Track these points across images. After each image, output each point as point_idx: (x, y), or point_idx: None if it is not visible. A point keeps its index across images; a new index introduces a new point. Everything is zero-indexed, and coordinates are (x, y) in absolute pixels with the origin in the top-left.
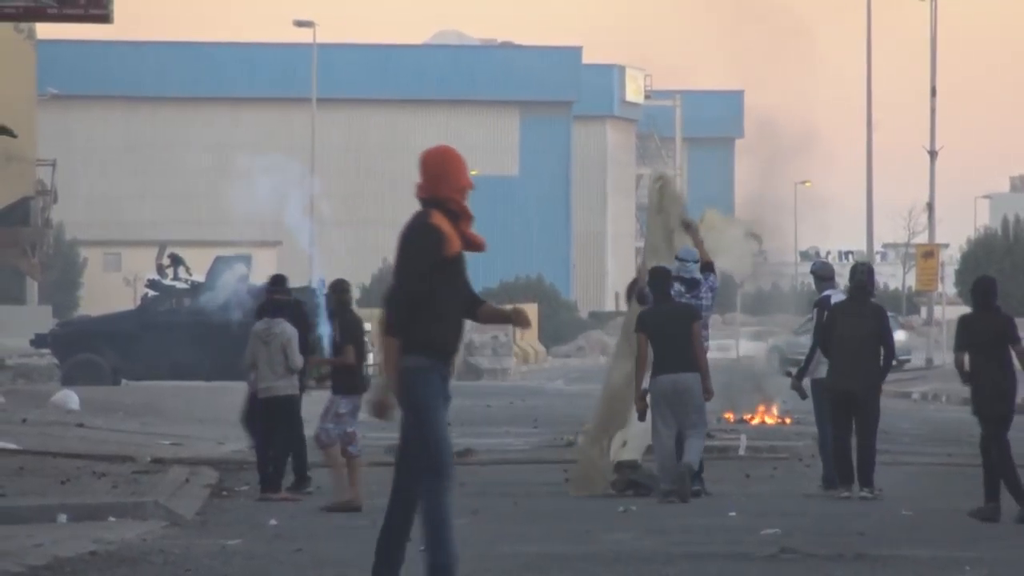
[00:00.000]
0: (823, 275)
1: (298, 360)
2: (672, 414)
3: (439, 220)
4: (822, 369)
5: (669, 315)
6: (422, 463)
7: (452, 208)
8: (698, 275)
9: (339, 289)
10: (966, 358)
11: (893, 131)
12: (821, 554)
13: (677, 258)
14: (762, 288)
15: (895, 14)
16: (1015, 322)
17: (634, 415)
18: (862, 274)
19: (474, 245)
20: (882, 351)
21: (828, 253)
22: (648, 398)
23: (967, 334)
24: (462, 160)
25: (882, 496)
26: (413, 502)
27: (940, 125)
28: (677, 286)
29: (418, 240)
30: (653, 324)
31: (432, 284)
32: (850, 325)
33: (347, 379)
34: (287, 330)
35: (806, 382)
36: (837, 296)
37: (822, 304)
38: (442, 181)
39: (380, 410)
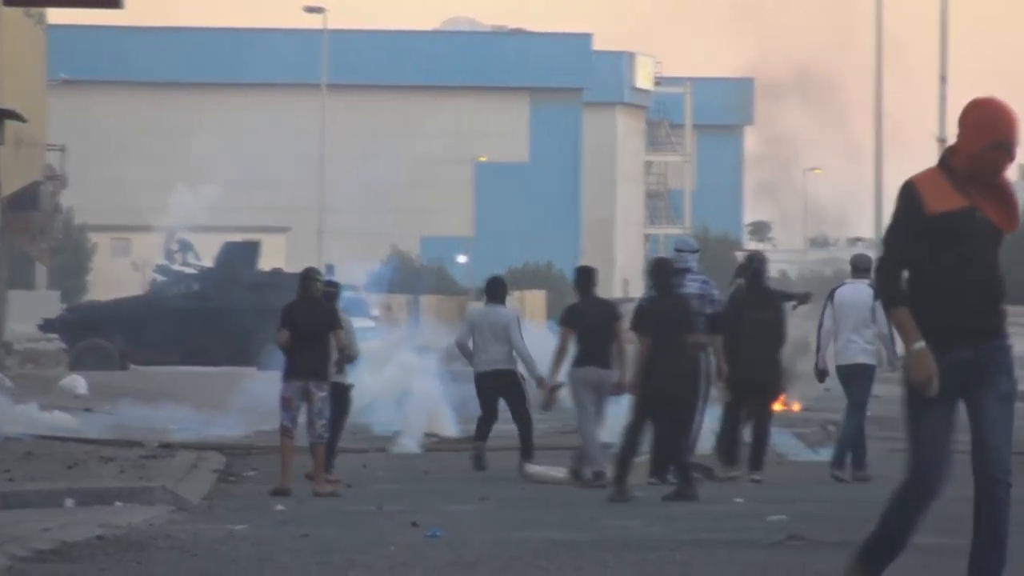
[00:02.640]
0: (860, 266)
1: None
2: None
3: (923, 176)
4: (841, 353)
5: (595, 311)
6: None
7: (956, 166)
8: (691, 264)
9: (307, 277)
10: None
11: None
12: (828, 541)
13: (676, 249)
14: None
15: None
16: None
17: None
18: (758, 263)
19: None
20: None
21: (837, 240)
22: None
23: None
24: (995, 117)
25: (874, 479)
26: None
27: (949, 112)
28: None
29: (896, 202)
30: (579, 320)
31: (919, 251)
32: (751, 316)
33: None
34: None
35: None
36: (854, 286)
37: (832, 291)
38: (963, 136)
39: (923, 378)
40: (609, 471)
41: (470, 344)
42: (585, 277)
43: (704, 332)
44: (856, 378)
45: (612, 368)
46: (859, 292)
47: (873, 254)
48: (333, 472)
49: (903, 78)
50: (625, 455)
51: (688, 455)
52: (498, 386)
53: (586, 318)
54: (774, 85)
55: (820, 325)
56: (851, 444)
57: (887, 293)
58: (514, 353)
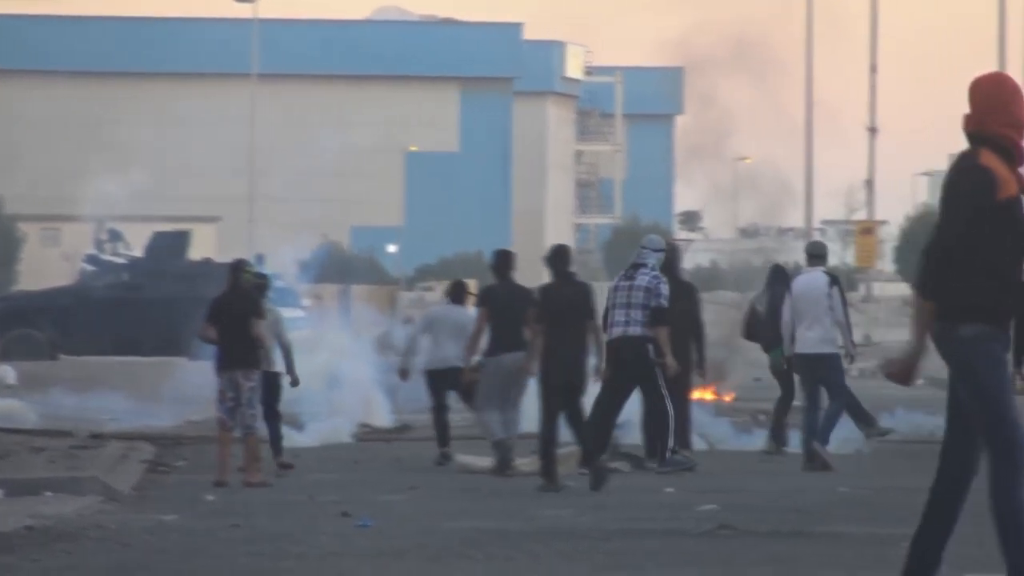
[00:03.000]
0: (815, 253)
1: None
2: (502, 390)
3: (989, 159)
4: (800, 343)
5: (513, 294)
6: (993, 449)
7: (1005, 145)
8: (648, 261)
9: (236, 268)
10: None
11: (833, 108)
12: (758, 531)
13: (641, 244)
14: (700, 265)
15: None
16: None
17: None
18: (670, 252)
19: None
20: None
21: (768, 230)
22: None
23: None
24: (1020, 90)
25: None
26: (961, 494)
27: (879, 102)
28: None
29: (962, 183)
30: (497, 302)
31: (979, 235)
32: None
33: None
34: None
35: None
36: (809, 275)
37: (790, 281)
38: (993, 113)
39: (902, 375)
40: (508, 450)
41: (423, 341)
42: (503, 260)
43: (651, 324)
44: (821, 369)
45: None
46: (815, 281)
47: (812, 242)
48: (282, 457)
49: (836, 66)
50: (544, 446)
51: (590, 438)
52: (451, 381)
53: (502, 300)
54: (704, 66)
55: (780, 317)
56: (827, 428)
57: (932, 281)
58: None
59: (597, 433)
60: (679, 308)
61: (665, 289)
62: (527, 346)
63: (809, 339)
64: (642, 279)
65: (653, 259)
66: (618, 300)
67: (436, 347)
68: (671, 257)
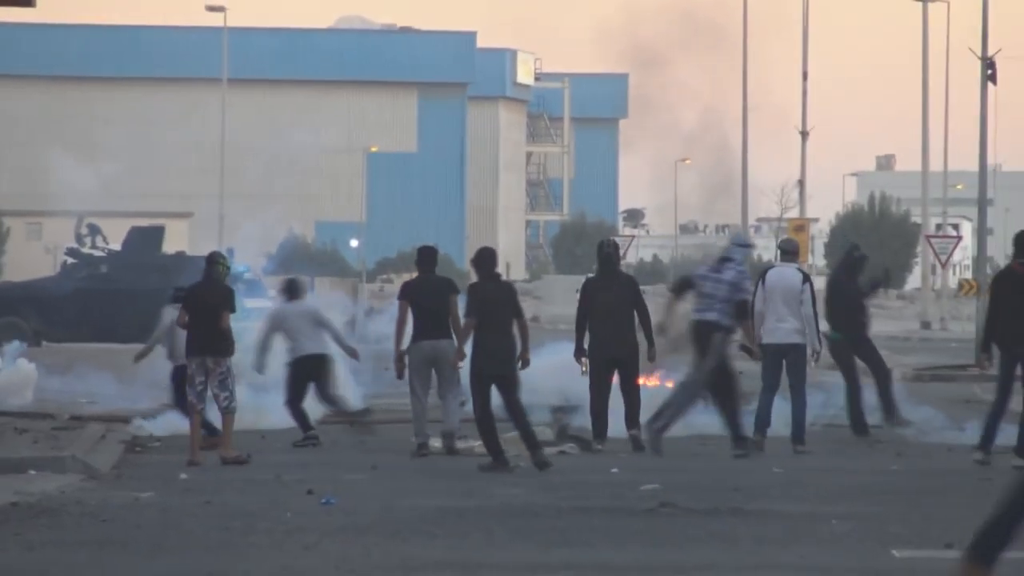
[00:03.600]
0: (788, 249)
1: None
2: (428, 378)
3: None
4: (771, 333)
5: (432, 286)
6: None
7: None
8: (735, 255)
9: (211, 260)
10: None
11: (767, 112)
12: (698, 509)
13: (732, 241)
14: (643, 260)
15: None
16: None
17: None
18: (609, 248)
19: None
20: (637, 317)
21: (706, 227)
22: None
23: None
24: None
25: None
26: None
27: (811, 107)
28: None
29: None
30: (416, 294)
31: None
32: (603, 298)
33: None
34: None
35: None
36: (782, 269)
37: (763, 274)
38: None
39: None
40: (435, 443)
41: (271, 341)
42: (426, 256)
43: (735, 317)
44: (789, 357)
45: (450, 339)
46: (786, 275)
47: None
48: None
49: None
50: (483, 432)
51: (529, 424)
52: (311, 371)
53: (423, 292)
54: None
55: (752, 306)
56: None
57: None
58: (327, 336)
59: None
60: (612, 299)
61: (749, 284)
62: (447, 335)
63: (781, 329)
64: (728, 274)
65: (740, 254)
66: (704, 290)
67: (294, 342)
68: (610, 253)
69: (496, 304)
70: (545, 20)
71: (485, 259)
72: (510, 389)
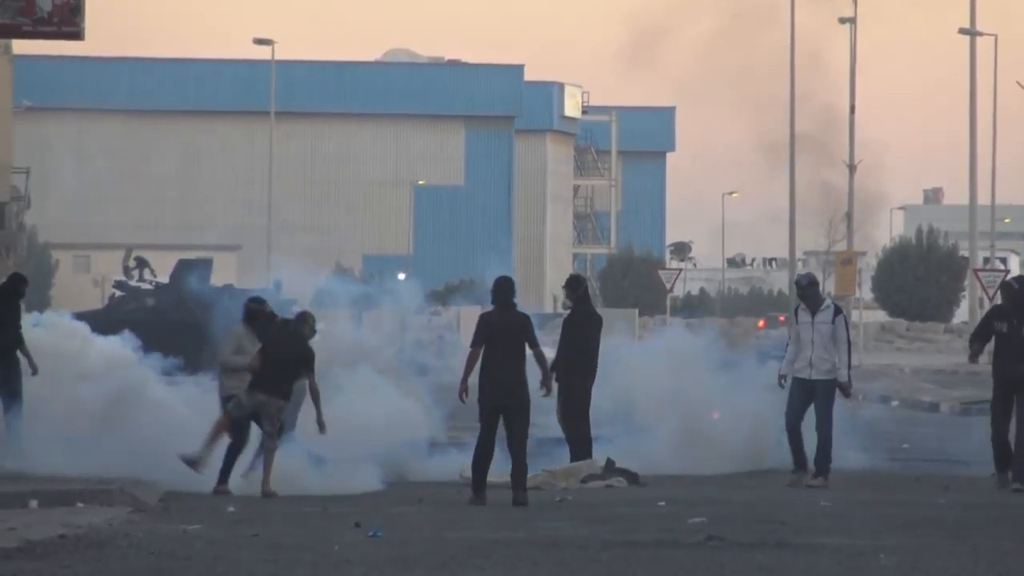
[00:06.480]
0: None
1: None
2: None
3: None
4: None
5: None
6: None
7: None
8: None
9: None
10: None
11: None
12: (745, 542)
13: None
14: (691, 293)
15: (816, 36)
16: None
17: None
18: (582, 285)
19: None
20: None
21: (753, 260)
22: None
23: None
24: None
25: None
26: None
27: (858, 140)
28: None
29: None
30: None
31: None
32: (579, 335)
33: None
34: None
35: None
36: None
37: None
38: None
39: None
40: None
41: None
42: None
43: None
44: (821, 394)
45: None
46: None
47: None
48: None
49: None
50: (475, 458)
51: (524, 458)
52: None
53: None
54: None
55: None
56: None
57: None
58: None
59: None
60: (587, 336)
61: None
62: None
63: (816, 364)
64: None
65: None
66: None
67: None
68: (583, 292)
69: (505, 333)
70: (592, 53)
71: (501, 288)
72: (516, 420)
